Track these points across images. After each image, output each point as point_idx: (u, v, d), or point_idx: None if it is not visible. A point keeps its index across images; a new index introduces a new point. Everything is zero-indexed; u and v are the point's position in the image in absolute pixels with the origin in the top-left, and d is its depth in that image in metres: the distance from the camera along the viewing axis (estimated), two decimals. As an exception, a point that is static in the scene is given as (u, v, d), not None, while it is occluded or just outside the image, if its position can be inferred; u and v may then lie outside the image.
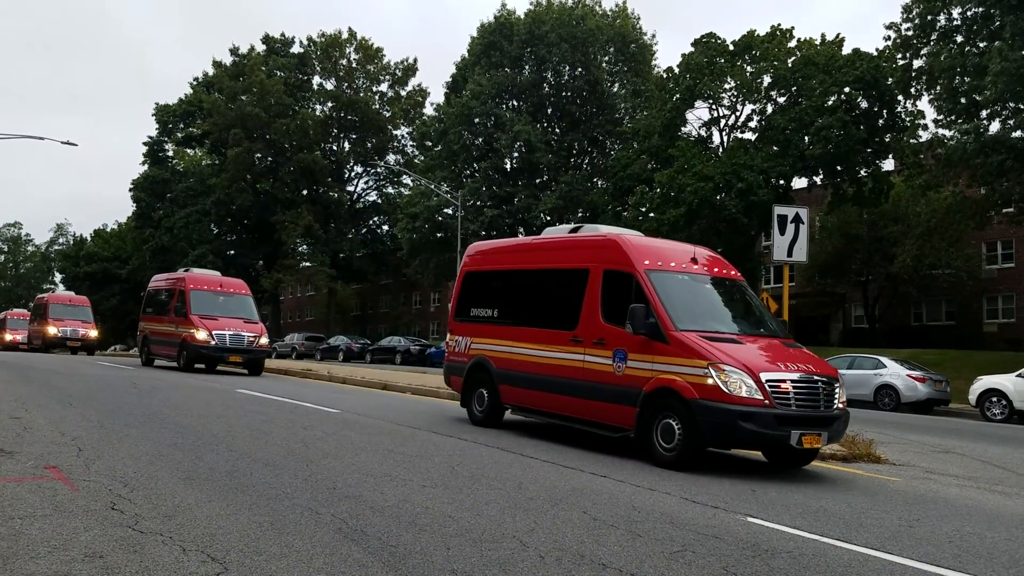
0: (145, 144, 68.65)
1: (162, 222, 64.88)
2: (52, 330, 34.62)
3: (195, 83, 66.69)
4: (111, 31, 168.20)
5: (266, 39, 63.86)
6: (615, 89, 51.57)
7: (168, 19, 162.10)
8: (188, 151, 72.67)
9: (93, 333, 36.08)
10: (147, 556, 4.50)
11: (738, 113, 42.83)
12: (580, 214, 49.50)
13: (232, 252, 65.54)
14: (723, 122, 43.43)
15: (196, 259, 58.40)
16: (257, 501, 6.03)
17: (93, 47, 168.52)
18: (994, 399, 20.99)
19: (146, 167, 69.29)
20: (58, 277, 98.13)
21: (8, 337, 38.43)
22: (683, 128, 43.26)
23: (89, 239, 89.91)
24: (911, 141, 34.49)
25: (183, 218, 62.27)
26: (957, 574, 5.28)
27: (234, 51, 63.32)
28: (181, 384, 17.30)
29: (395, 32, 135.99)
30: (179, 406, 12.43)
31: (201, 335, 22.05)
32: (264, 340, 23.29)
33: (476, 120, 50.27)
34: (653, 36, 52.90)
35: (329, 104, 63.32)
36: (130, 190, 68.69)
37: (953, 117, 30.22)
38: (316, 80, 64.34)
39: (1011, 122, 27.49)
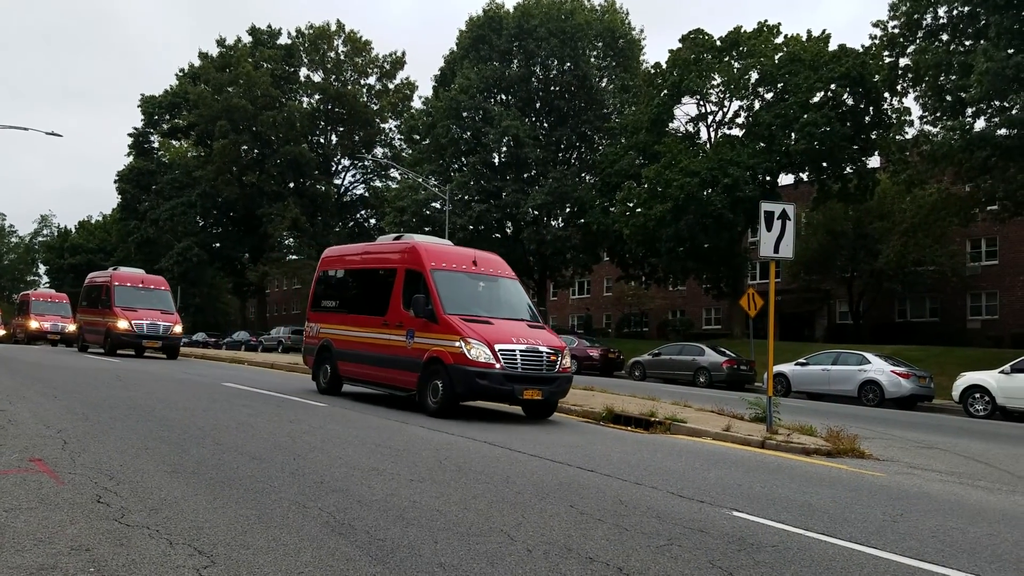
0: (131, 135, 68.13)
1: (147, 214, 64.42)
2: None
3: (181, 74, 66.18)
4: (102, 23, 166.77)
5: (252, 31, 63.45)
6: (603, 84, 51.56)
7: (162, 11, 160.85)
8: (174, 143, 72.12)
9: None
10: (134, 549, 4.49)
11: (725, 109, 42.99)
12: (568, 209, 49.53)
13: (218, 245, 65.22)
14: (710, 118, 43.59)
15: (181, 251, 58.19)
16: (244, 494, 6.02)
17: (84, 39, 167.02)
18: (977, 395, 21.15)
19: (131, 159, 68.72)
20: (42, 269, 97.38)
21: (34, 325, 37.94)
22: (671, 124, 43.38)
23: (74, 231, 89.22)
24: (897, 138, 34.68)
25: (168, 210, 61.84)
26: (940, 568, 5.33)
27: (220, 42, 62.86)
28: (166, 377, 17.23)
29: (384, 25, 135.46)
30: (165, 399, 12.37)
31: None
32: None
33: (464, 114, 50.14)
34: (642, 31, 52.93)
35: (316, 96, 63.05)
36: (115, 182, 68.13)
37: (939, 114, 30.41)
38: (303, 72, 64.08)
39: (996, 119, 27.68)
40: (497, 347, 11.72)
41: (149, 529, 4.91)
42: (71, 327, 36.75)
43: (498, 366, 11.64)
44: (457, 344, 11.77)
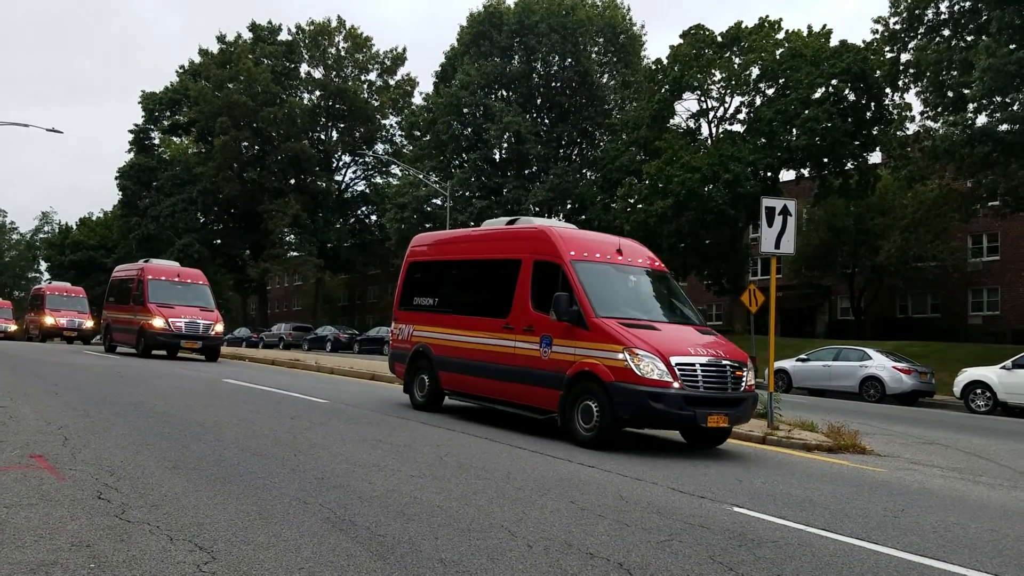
0: (131, 132, 68.11)
1: (148, 211, 64.38)
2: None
3: (181, 71, 66.14)
4: (103, 18, 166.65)
5: (253, 27, 63.36)
6: (604, 80, 51.51)
7: (163, 7, 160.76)
8: (174, 139, 72.08)
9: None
10: (134, 545, 4.49)
11: (726, 105, 42.92)
12: (569, 206, 49.49)
13: (219, 241, 65.19)
14: (711, 114, 43.51)
15: (182, 248, 58.11)
16: (244, 490, 6.02)
17: (84, 34, 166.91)
18: (978, 391, 21.15)
19: (132, 155, 68.71)
20: (43, 266, 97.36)
21: (50, 321, 35.61)
22: (671, 120, 43.31)
23: (75, 228, 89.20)
24: (898, 134, 34.63)
25: (169, 207, 61.81)
26: (941, 564, 5.33)
27: (221, 38, 62.76)
28: (167, 373, 17.23)
29: (384, 21, 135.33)
30: (165, 395, 12.38)
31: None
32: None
33: (465, 110, 50.14)
34: (642, 27, 52.90)
35: (317, 93, 62.95)
36: (116, 178, 68.10)
37: (940, 110, 30.36)
38: (304, 68, 63.94)
39: (997, 115, 27.63)
40: (673, 360, 9.18)
41: (150, 525, 4.91)
42: (88, 323, 36.08)
43: (676, 385, 9.11)
44: (620, 356, 9.22)
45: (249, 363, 25.44)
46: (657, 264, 11.44)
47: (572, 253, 10.39)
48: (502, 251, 11.63)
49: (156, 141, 71.19)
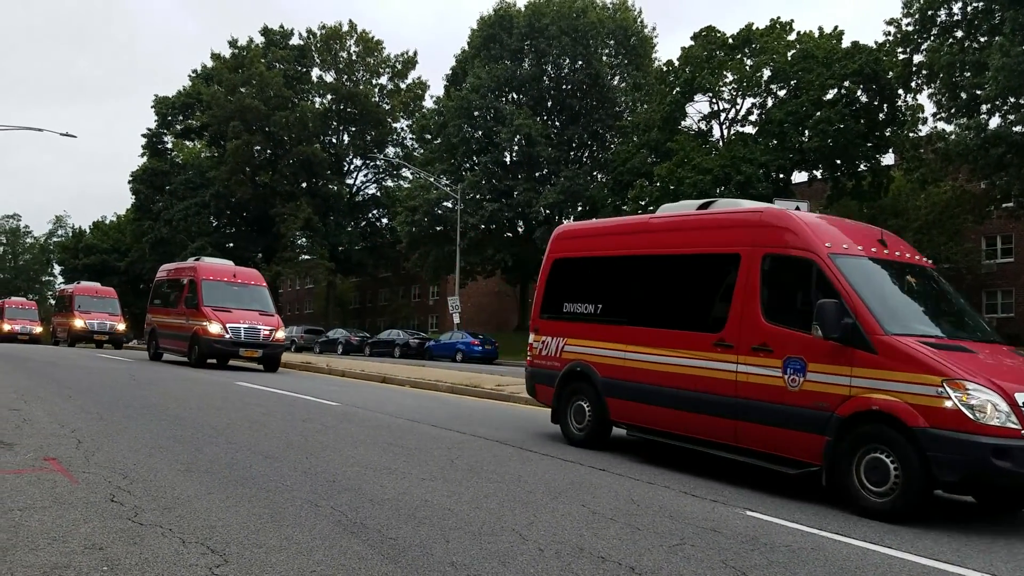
0: (144, 136, 68.58)
1: (161, 214, 64.77)
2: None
3: (194, 75, 66.55)
4: (115, 22, 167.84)
5: (265, 31, 63.71)
6: (615, 82, 51.48)
7: (175, 12, 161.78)
8: (187, 143, 72.51)
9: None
10: (147, 548, 4.50)
11: (738, 107, 42.84)
12: (580, 209, 49.45)
13: (231, 245, 65.45)
14: (723, 116, 43.41)
15: (195, 252, 58.14)
16: (256, 493, 6.03)
17: (97, 38, 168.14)
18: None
19: (145, 159, 69.17)
20: (57, 269, 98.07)
21: (80, 324, 33.51)
22: (683, 122, 43.24)
23: (88, 231, 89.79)
24: (911, 135, 34.46)
25: (182, 210, 62.19)
26: (955, 568, 5.29)
27: (233, 43, 63.15)
28: (179, 377, 17.29)
29: (395, 25, 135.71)
30: (178, 398, 12.43)
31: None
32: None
33: (476, 113, 50.21)
34: (654, 29, 53.00)
35: (329, 96, 63.22)
36: (129, 182, 68.55)
37: (953, 111, 30.21)
38: (316, 72, 64.27)
39: (1011, 117, 27.47)
40: (1020, 397, 6.52)
41: (162, 528, 4.93)
42: (121, 326, 34.17)
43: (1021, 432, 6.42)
44: (935, 391, 6.55)
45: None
46: (925, 261, 8.84)
47: (828, 244, 7.67)
48: (705, 243, 8.88)
49: (169, 145, 71.66)
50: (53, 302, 37.77)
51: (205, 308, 20.87)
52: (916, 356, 6.77)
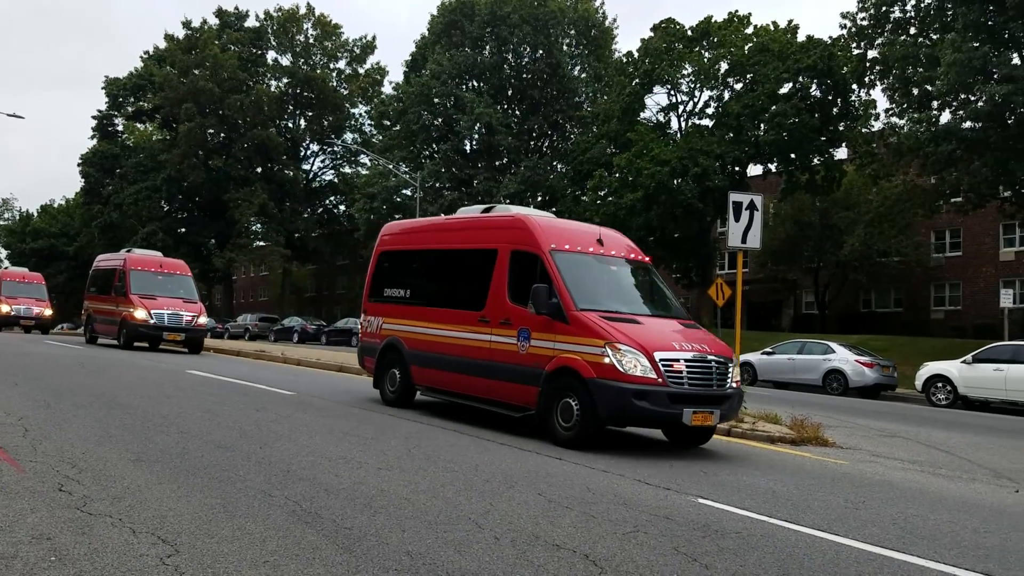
0: (94, 118, 66.95)
1: (111, 198, 63.39)
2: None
3: (146, 56, 65.05)
4: (64, 2, 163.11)
5: (219, 12, 62.46)
6: (576, 73, 51.55)
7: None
8: (139, 126, 70.95)
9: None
10: (96, 538, 4.43)
11: (695, 99, 43.16)
12: (540, 198, 49.52)
13: (183, 230, 64.34)
14: (681, 108, 43.73)
15: (146, 236, 57.31)
16: (209, 483, 5.97)
17: (44, 19, 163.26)
18: (939, 385, 21.52)
19: (95, 142, 67.56)
20: (3, 253, 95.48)
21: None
22: (642, 113, 43.47)
23: (36, 215, 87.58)
24: (863, 130, 35.07)
25: (133, 194, 60.87)
26: (901, 555, 5.43)
27: (187, 24, 61.83)
28: (130, 364, 17.00)
29: (353, 10, 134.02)
30: (128, 387, 12.21)
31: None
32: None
33: (436, 100, 49.90)
34: (614, 20, 53.06)
35: (285, 80, 62.26)
36: (78, 165, 66.97)
37: (905, 107, 30.79)
38: (271, 55, 63.21)
39: (961, 112, 28.09)
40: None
41: (112, 518, 4.85)
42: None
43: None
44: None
45: (214, 354, 25.14)
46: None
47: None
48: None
49: (120, 128, 70.05)
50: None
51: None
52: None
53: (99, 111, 66.65)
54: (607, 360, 8.70)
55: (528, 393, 9.50)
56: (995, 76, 25.65)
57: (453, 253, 11.53)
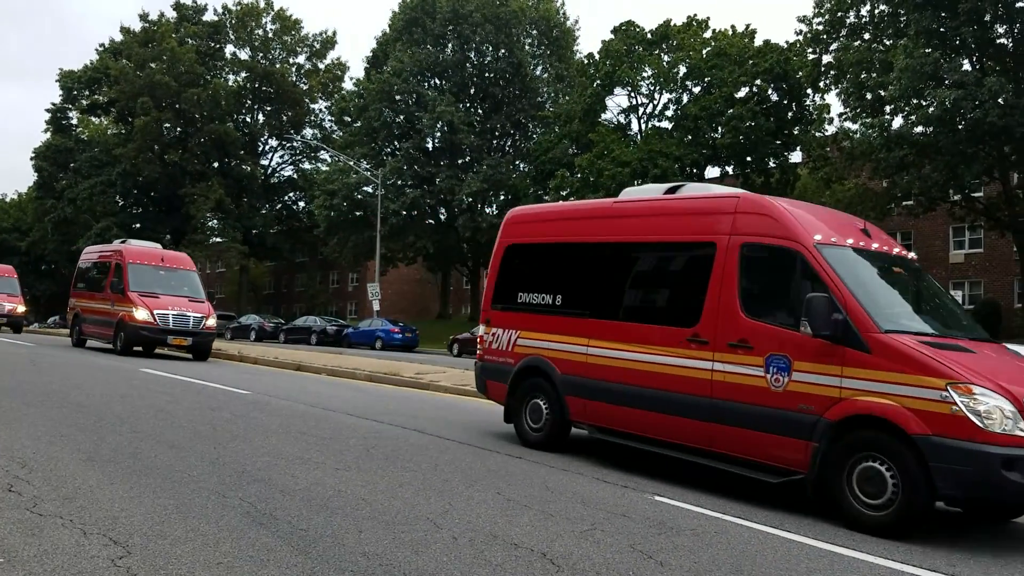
0: (48, 111, 65.58)
1: (65, 193, 62.08)
2: None
3: (101, 49, 63.79)
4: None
5: (177, 5, 61.55)
6: (538, 73, 51.74)
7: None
8: (93, 119, 69.51)
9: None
10: (46, 539, 4.35)
11: (655, 101, 43.59)
12: (503, 197, 49.58)
13: (138, 225, 63.13)
14: (641, 110, 44.14)
15: (100, 232, 56.15)
16: (162, 484, 5.89)
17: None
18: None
19: (49, 135, 66.13)
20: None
21: None
22: (603, 114, 43.81)
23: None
24: (817, 134, 35.73)
25: (87, 189, 59.65)
26: (850, 552, 5.57)
27: (143, 17, 60.80)
28: (83, 363, 16.68)
29: (314, 4, 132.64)
30: (80, 385, 11.98)
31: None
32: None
33: (397, 97, 49.73)
34: (576, 22, 53.51)
35: (243, 74, 61.55)
36: (31, 159, 65.64)
37: (859, 111, 31.43)
38: (230, 49, 62.44)
39: (913, 117, 28.73)
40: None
41: (62, 519, 4.77)
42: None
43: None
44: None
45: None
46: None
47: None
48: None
49: (74, 121, 68.62)
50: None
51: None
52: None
53: (53, 104, 65.46)
54: (955, 409, 5.86)
55: (788, 448, 6.69)
56: (946, 81, 26.31)
57: (638, 247, 8.61)
